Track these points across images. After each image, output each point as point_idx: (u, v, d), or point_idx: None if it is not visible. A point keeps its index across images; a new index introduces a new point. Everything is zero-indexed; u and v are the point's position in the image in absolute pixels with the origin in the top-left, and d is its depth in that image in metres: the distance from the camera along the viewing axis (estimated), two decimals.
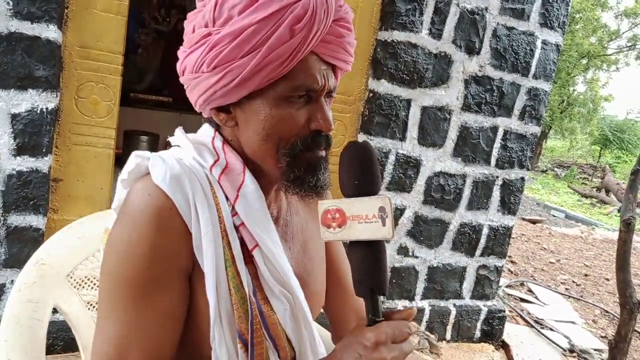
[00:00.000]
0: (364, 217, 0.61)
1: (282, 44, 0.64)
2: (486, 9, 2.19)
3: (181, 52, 0.72)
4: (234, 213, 0.70)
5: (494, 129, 2.38)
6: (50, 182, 1.77)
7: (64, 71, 1.74)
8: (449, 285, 2.51)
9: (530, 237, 5.91)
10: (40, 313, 0.89)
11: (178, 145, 0.76)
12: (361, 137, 2.20)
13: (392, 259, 2.35)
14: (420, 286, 2.45)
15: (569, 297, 3.87)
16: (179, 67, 0.73)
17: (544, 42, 2.35)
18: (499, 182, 2.47)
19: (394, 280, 2.39)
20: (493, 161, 2.42)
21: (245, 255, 0.70)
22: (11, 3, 1.56)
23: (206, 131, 0.77)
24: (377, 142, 2.16)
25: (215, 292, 0.66)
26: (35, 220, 1.73)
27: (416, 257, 2.40)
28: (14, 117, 1.64)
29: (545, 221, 7.33)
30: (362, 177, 0.64)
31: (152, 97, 3.94)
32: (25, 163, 1.68)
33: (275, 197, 0.80)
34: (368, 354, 0.61)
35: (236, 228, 0.70)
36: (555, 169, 17.26)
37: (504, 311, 2.67)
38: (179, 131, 0.76)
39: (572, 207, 10.22)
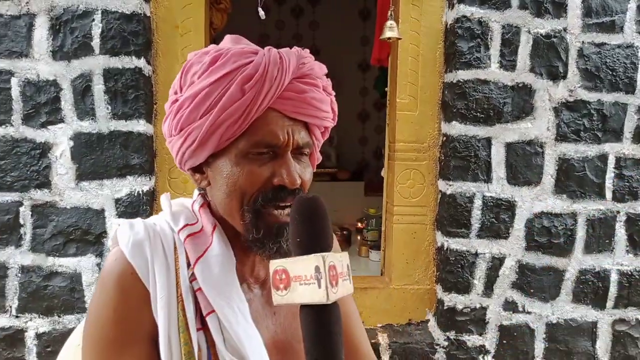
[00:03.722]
0: (303, 278, 0.57)
1: (233, 103, 0.67)
2: (564, 29, 2.00)
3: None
4: (194, 278, 0.70)
5: (603, 157, 2.06)
6: None
7: (157, 157, 2.00)
8: (577, 345, 2.12)
9: None
10: None
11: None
12: (441, 184, 2.09)
13: (499, 315, 2.09)
14: (539, 347, 2.12)
15: None
16: (164, 134, 0.79)
17: None
18: (622, 217, 2.09)
19: (504, 341, 2.10)
20: (609, 194, 2.08)
21: (204, 321, 0.69)
22: (109, 107, 1.88)
23: (194, 194, 0.81)
24: (458, 187, 2.02)
25: (168, 357, 0.66)
26: None
27: (528, 312, 2.10)
28: (117, 201, 1.91)
29: None
30: (304, 234, 0.60)
31: None
32: None
33: (260, 258, 0.79)
34: None
35: (195, 293, 0.70)
36: None
37: None
38: (163, 197, 0.81)
39: None
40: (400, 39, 1.87)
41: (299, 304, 0.57)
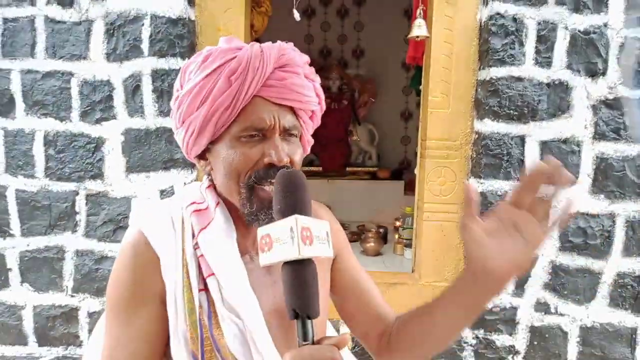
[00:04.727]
0: (282, 239, 0.65)
1: (222, 93, 0.77)
2: (605, 25, 1.94)
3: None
4: (197, 246, 0.80)
5: None
6: None
7: None
8: (613, 350, 2.06)
9: None
10: None
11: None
12: (472, 182, 2.09)
13: (530, 316, 2.06)
14: (572, 350, 2.07)
15: None
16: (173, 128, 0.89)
17: None
18: None
19: (535, 343, 2.07)
20: None
21: (206, 284, 0.79)
22: (156, 105, 2.03)
23: (204, 179, 0.91)
24: (489, 185, 2.02)
25: (174, 313, 0.76)
26: None
27: (561, 314, 2.06)
28: (162, 192, 2.06)
29: None
30: (282, 201, 0.68)
31: (305, 169, 4.37)
32: None
33: None
34: None
35: (198, 259, 0.79)
36: None
37: None
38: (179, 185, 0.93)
39: None
40: (428, 37, 1.89)
41: (279, 261, 0.65)
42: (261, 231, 0.67)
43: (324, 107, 0.91)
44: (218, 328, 0.77)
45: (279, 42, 0.84)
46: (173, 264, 0.77)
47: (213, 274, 0.78)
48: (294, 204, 0.67)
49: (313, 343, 0.62)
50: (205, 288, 0.78)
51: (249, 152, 0.78)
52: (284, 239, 0.64)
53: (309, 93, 0.83)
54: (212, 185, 0.86)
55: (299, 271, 0.64)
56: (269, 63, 0.78)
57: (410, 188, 3.92)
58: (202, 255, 0.79)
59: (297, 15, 1.96)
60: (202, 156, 0.85)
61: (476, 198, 0.69)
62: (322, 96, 0.88)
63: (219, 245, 0.80)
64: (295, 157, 0.81)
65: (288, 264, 0.64)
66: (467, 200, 0.69)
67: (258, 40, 2.57)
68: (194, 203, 0.84)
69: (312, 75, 0.86)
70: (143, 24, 2.01)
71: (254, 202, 0.77)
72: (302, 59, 0.84)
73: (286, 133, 0.81)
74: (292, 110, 0.82)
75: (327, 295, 0.97)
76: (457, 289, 0.77)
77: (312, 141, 0.93)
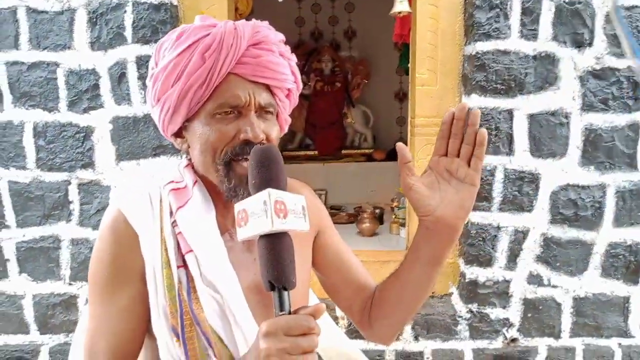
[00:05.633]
0: (256, 213, 0.65)
1: (196, 70, 0.77)
2: None
3: None
4: (176, 224, 0.80)
5: (634, 127, 1.98)
6: None
7: None
8: (606, 319, 2.08)
9: None
10: None
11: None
12: None
13: (523, 288, 2.08)
14: (566, 321, 2.09)
15: None
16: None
17: None
18: None
19: (529, 315, 2.09)
20: None
21: (185, 260, 0.79)
22: (143, 92, 2.03)
23: (183, 157, 0.92)
24: None
25: (154, 290, 0.77)
26: None
27: (554, 286, 2.08)
28: None
29: None
30: (256, 176, 0.69)
31: (301, 153, 4.37)
32: None
33: None
34: (256, 343, 0.63)
35: (177, 236, 0.80)
36: None
37: None
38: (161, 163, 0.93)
39: None
40: (410, 12, 1.88)
41: (254, 235, 0.65)
42: (237, 206, 0.68)
43: (301, 87, 0.91)
44: (197, 303, 0.78)
45: (253, 20, 0.84)
46: (151, 241, 0.78)
47: (191, 250, 0.78)
48: (268, 178, 0.67)
49: (290, 313, 0.64)
50: (184, 265, 0.79)
51: (224, 128, 0.78)
52: (258, 212, 0.64)
53: (285, 71, 0.83)
54: (190, 164, 0.87)
55: (274, 244, 0.64)
56: (243, 40, 0.78)
57: None
58: (180, 233, 0.80)
59: None
60: (178, 134, 0.85)
61: (410, 158, 0.76)
62: (298, 75, 0.88)
63: (197, 223, 0.80)
64: (271, 134, 0.81)
65: (263, 237, 0.65)
66: (403, 161, 0.75)
67: None
68: (171, 182, 0.84)
69: (288, 54, 0.86)
70: (125, 11, 2.00)
71: (232, 177, 0.78)
72: (276, 37, 0.84)
73: (262, 110, 0.81)
74: (268, 88, 0.82)
75: (308, 269, 0.98)
76: (417, 246, 0.83)
77: (289, 120, 0.93)
